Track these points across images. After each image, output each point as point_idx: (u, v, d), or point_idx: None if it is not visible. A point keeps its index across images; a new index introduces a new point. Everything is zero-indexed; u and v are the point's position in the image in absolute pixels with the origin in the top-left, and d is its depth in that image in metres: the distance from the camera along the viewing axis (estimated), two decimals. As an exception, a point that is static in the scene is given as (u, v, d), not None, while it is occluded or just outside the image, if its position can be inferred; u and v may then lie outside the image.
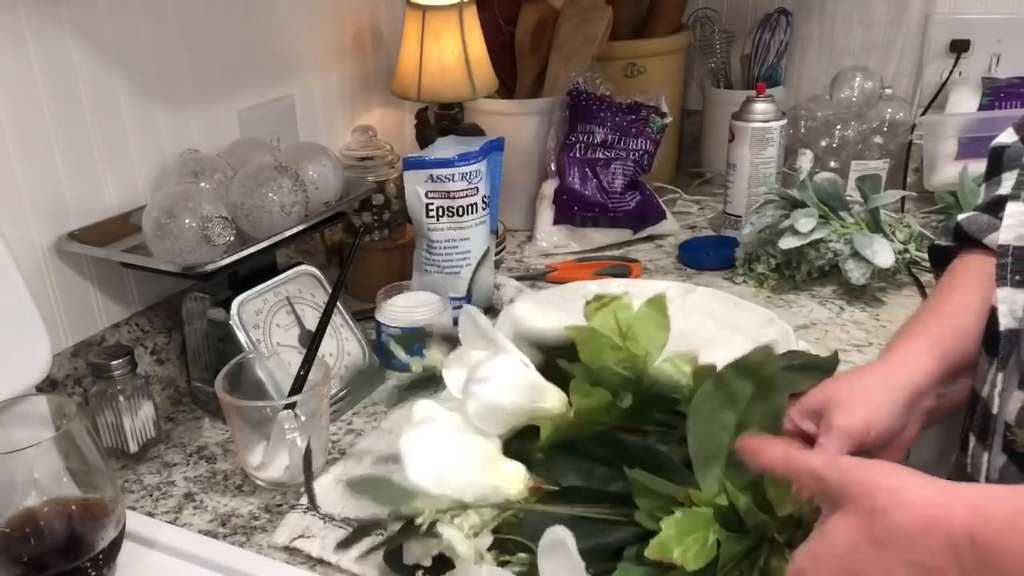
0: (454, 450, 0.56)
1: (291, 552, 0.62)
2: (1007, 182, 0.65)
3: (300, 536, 0.62)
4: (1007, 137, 0.68)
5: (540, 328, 0.68)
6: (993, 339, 0.56)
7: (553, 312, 0.69)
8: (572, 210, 1.14)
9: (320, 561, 0.61)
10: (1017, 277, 0.56)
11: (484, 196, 0.91)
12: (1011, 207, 0.59)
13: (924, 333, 0.62)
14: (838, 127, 1.26)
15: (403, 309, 0.86)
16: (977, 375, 0.59)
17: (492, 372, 0.58)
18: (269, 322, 0.78)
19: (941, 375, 0.59)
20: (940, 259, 0.71)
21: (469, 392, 0.58)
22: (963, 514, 0.39)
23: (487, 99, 1.11)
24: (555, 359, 0.61)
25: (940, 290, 0.67)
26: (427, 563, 0.53)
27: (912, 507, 0.41)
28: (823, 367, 0.64)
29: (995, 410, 0.56)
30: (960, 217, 0.68)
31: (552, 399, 0.59)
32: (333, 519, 0.64)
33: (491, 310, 0.97)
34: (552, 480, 0.56)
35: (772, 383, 0.56)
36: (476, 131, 1.05)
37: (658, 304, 0.60)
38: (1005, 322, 0.56)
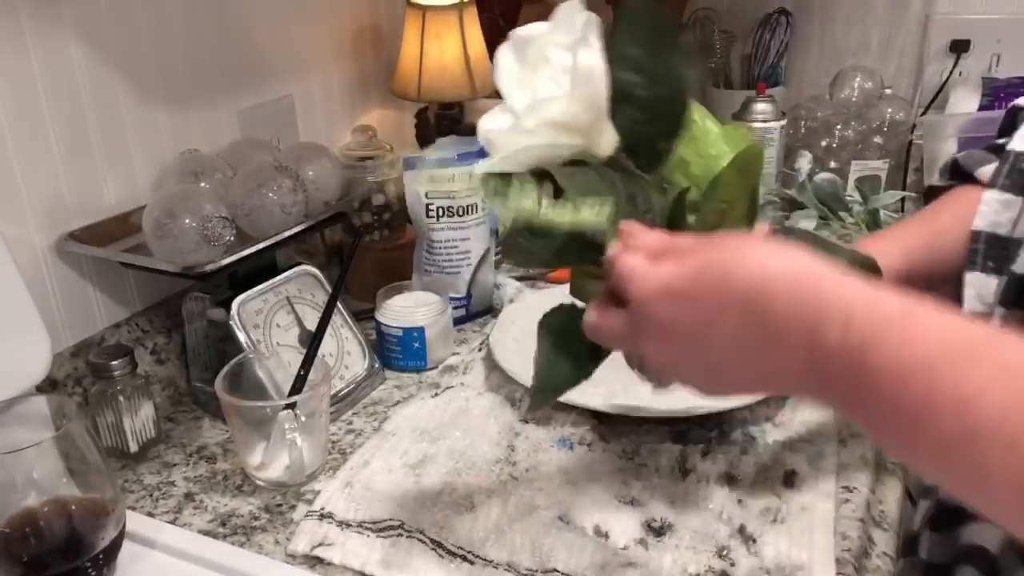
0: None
1: (292, 554, 0.62)
2: (1019, 137, 0.63)
3: (320, 544, 0.61)
4: None
5: None
6: None
7: None
8: (572, 210, 1.14)
9: (320, 561, 0.61)
10: (990, 263, 0.56)
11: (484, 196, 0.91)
12: (988, 195, 0.59)
13: (899, 235, 0.64)
14: (838, 127, 1.26)
15: (403, 309, 0.86)
16: None
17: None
18: (269, 322, 0.78)
19: (897, 274, 0.60)
20: (933, 199, 0.70)
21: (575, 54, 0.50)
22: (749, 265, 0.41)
23: (487, 99, 1.11)
24: None
25: (932, 207, 0.67)
26: None
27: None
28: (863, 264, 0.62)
29: None
30: (957, 154, 0.67)
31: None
32: (350, 525, 0.63)
33: (491, 310, 0.97)
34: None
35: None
36: (476, 131, 1.05)
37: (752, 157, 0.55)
38: (970, 305, 0.56)
